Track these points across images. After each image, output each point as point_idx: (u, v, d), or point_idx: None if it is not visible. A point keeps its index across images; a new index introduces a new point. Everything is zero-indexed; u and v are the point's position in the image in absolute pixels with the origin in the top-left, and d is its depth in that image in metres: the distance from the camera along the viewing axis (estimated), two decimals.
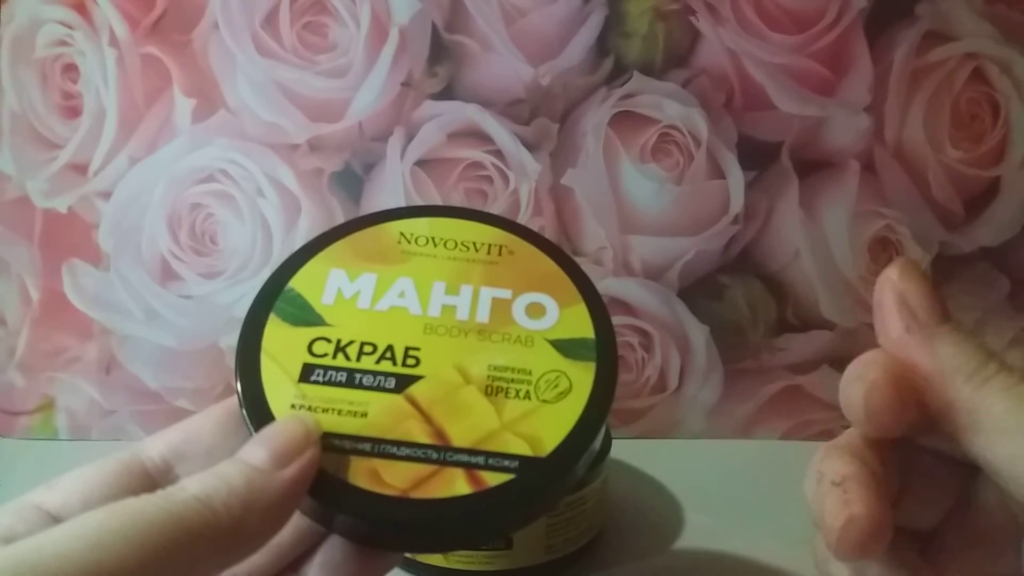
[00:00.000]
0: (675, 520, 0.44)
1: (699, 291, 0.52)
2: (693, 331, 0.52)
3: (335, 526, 0.26)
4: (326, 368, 0.27)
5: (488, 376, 0.27)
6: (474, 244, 0.31)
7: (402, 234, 0.31)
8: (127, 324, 0.52)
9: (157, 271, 0.52)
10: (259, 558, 0.27)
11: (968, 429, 0.22)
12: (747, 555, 0.41)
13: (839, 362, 0.52)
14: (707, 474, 0.49)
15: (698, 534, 0.43)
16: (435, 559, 0.37)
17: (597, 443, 0.27)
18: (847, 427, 0.58)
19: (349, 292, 0.29)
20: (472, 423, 0.26)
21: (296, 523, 0.27)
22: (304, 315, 0.28)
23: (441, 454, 0.26)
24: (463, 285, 0.30)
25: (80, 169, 0.51)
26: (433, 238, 0.31)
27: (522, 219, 0.50)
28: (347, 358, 0.27)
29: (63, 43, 0.50)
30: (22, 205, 0.51)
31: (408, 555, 0.38)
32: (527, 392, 0.27)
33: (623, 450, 0.46)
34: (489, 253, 0.31)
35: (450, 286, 0.30)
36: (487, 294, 0.29)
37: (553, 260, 0.31)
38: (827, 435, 0.53)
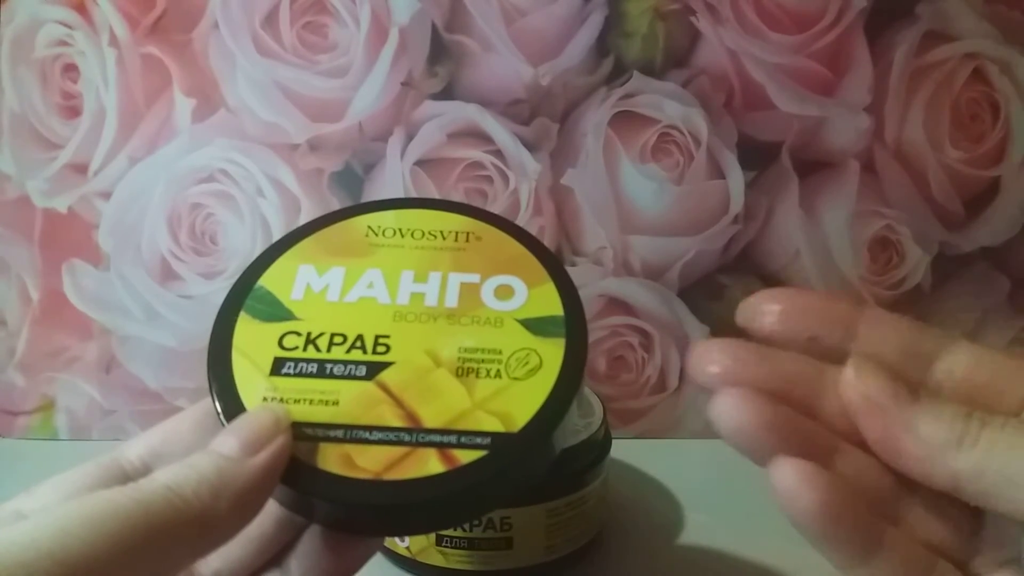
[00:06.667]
0: (675, 520, 0.44)
1: (699, 291, 0.52)
2: (693, 331, 0.52)
3: (312, 514, 0.27)
4: (297, 360, 0.28)
5: (458, 358, 0.28)
6: (441, 233, 0.31)
7: (369, 227, 0.32)
8: (127, 324, 0.52)
9: (157, 271, 0.52)
10: (242, 551, 0.27)
11: (986, 495, 0.22)
12: (747, 555, 0.41)
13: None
14: (707, 474, 0.49)
15: (698, 534, 0.43)
16: (435, 559, 0.37)
17: (572, 416, 0.28)
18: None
19: (318, 286, 0.30)
20: (443, 404, 0.27)
21: (277, 515, 0.27)
22: (274, 311, 0.29)
23: (413, 436, 0.26)
24: (431, 272, 0.30)
25: (80, 169, 0.51)
26: (400, 229, 0.32)
27: (522, 219, 0.50)
28: (317, 349, 0.28)
29: (63, 43, 0.50)
30: (22, 205, 0.51)
31: (408, 555, 0.38)
32: (498, 371, 0.28)
33: (623, 450, 0.46)
34: (456, 240, 0.31)
35: (418, 274, 0.30)
36: (455, 280, 0.30)
37: (520, 243, 0.31)
38: None
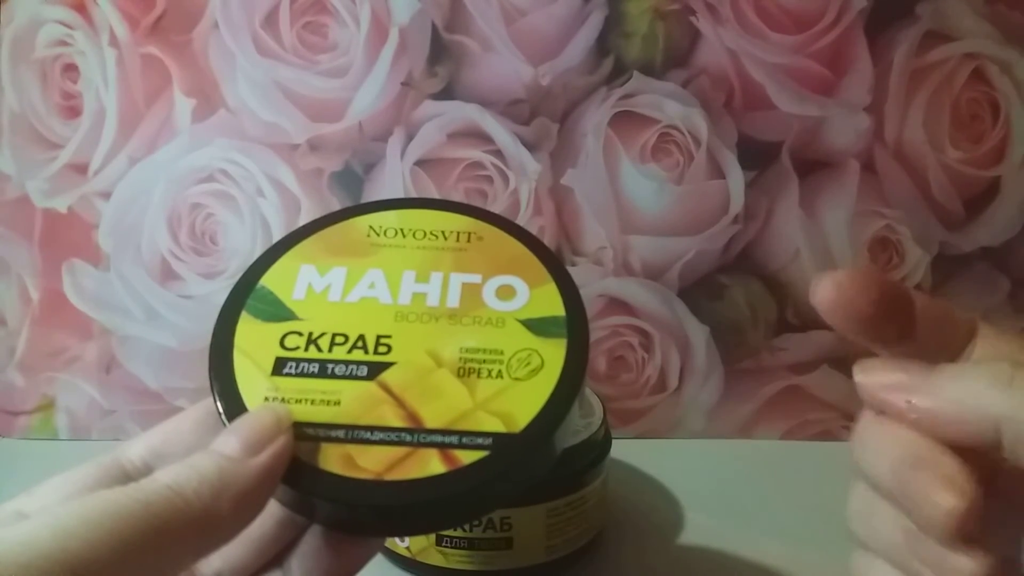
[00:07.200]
0: (675, 520, 0.44)
1: (699, 291, 0.52)
2: (693, 331, 0.52)
3: (313, 514, 0.27)
4: (298, 360, 0.28)
5: (460, 358, 0.28)
6: (443, 233, 0.32)
7: (371, 227, 0.32)
8: (127, 324, 0.52)
9: (157, 271, 0.52)
10: (243, 551, 0.27)
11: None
12: (747, 555, 0.41)
13: (839, 362, 0.52)
14: (707, 474, 0.49)
15: (698, 534, 0.43)
16: (435, 559, 0.37)
17: (573, 417, 0.28)
18: (846, 427, 0.58)
19: (319, 286, 0.30)
20: (445, 404, 0.27)
21: (278, 515, 0.27)
22: (275, 311, 0.29)
23: (415, 436, 0.26)
24: (433, 273, 0.30)
25: (80, 169, 0.51)
26: (402, 229, 0.32)
27: (522, 219, 0.50)
28: (319, 349, 0.28)
29: (63, 43, 0.50)
30: (22, 205, 0.51)
31: (408, 555, 0.38)
32: (499, 371, 0.28)
33: (623, 450, 0.46)
34: (458, 240, 0.31)
35: (420, 274, 0.30)
36: (457, 280, 0.30)
37: (522, 243, 0.32)
38: (827, 435, 0.53)
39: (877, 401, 0.24)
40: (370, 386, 0.27)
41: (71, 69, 0.50)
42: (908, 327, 0.25)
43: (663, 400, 0.53)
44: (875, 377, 0.24)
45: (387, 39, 0.50)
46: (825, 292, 0.25)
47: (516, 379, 0.27)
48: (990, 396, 0.22)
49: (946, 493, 0.21)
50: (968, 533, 0.21)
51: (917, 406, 0.23)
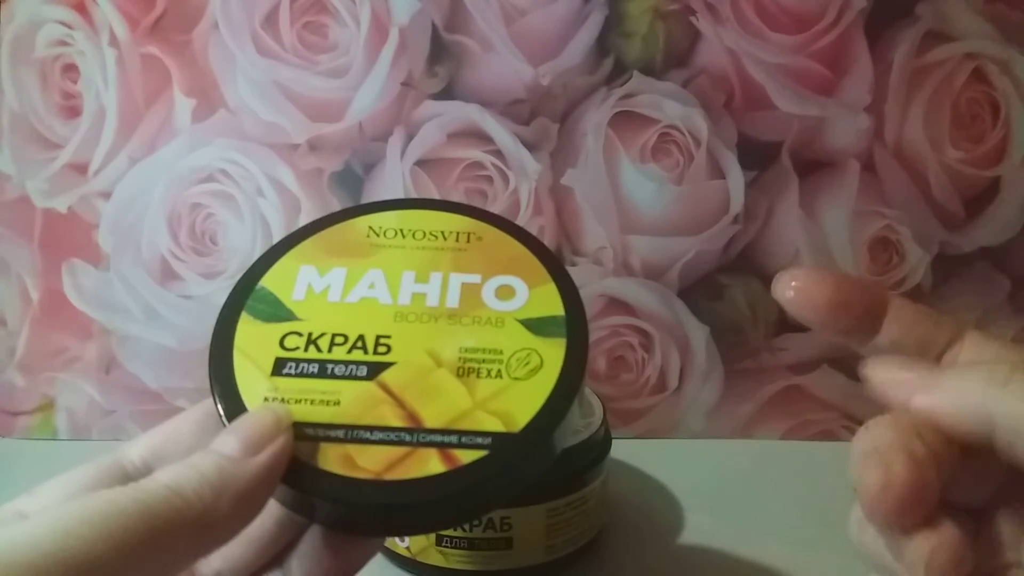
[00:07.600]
0: (675, 520, 0.44)
1: (699, 291, 0.52)
2: (693, 331, 0.52)
3: (313, 514, 0.27)
4: (298, 361, 0.28)
5: (459, 358, 0.28)
6: (442, 233, 0.32)
7: (371, 228, 0.32)
8: (127, 324, 0.52)
9: (157, 271, 0.52)
10: (243, 551, 0.27)
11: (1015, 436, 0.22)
12: (747, 555, 0.41)
13: (839, 362, 0.52)
14: (707, 474, 0.49)
15: (698, 534, 0.43)
16: (435, 559, 0.37)
17: (572, 417, 0.28)
18: (846, 427, 0.58)
19: (319, 287, 0.30)
20: (445, 404, 0.27)
21: (278, 515, 0.27)
22: (275, 311, 0.29)
23: (414, 436, 0.26)
24: (432, 273, 0.30)
25: (80, 169, 0.51)
26: (401, 230, 0.32)
27: (522, 219, 0.50)
28: (318, 350, 0.28)
29: (63, 43, 0.50)
30: (22, 205, 0.51)
31: (408, 555, 0.38)
32: (499, 371, 0.28)
33: (623, 450, 0.46)
34: (458, 241, 0.31)
35: (419, 275, 0.30)
36: (456, 280, 0.30)
37: (521, 243, 0.32)
38: (827, 435, 0.53)
39: (881, 396, 0.24)
40: (370, 386, 0.27)
41: (71, 69, 0.50)
42: (872, 315, 0.26)
43: (663, 400, 0.53)
44: (882, 373, 0.25)
45: (387, 39, 0.50)
46: (784, 286, 0.26)
47: (515, 379, 0.27)
48: (986, 393, 0.22)
49: (871, 473, 0.21)
50: (893, 513, 0.21)
51: (918, 402, 0.23)
